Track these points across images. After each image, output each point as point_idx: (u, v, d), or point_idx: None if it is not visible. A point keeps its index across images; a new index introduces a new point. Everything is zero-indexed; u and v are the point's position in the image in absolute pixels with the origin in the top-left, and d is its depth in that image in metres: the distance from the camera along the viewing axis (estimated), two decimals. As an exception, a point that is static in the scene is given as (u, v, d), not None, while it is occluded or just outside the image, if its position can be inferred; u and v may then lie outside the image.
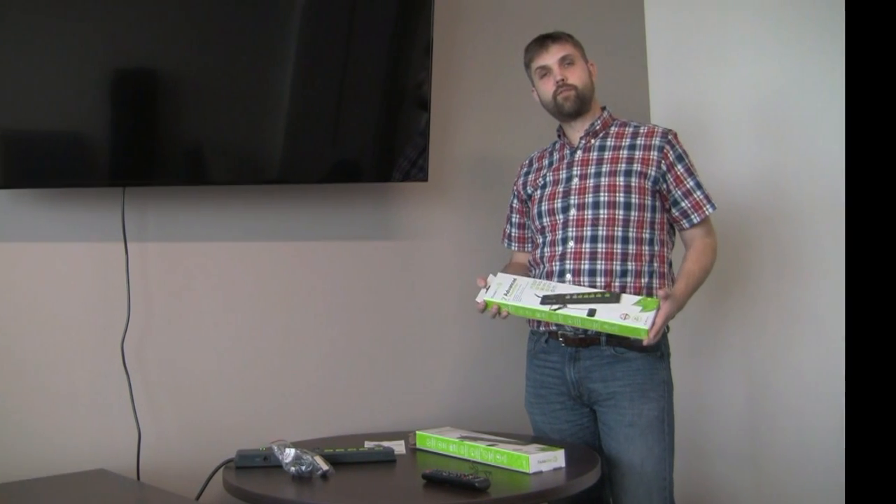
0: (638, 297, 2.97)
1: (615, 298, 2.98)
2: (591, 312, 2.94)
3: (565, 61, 3.21)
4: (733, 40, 4.01)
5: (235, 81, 3.23)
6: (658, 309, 2.93)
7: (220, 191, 3.34)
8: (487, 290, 3.12)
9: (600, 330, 2.99)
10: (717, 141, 3.99)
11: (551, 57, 3.21)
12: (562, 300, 3.01)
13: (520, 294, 3.07)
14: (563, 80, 3.20)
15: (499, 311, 3.09)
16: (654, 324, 2.90)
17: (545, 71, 3.23)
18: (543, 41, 3.24)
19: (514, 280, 3.12)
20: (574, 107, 3.22)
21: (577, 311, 2.96)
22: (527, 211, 3.36)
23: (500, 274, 3.17)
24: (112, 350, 3.15)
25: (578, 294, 3.03)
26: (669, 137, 3.20)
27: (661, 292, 2.96)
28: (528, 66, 3.30)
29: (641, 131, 3.23)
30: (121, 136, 3.10)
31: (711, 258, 3.18)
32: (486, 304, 3.11)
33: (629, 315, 2.92)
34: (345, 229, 3.59)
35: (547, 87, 3.24)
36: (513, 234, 3.45)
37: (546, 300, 3.02)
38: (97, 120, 3.07)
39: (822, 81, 3.70)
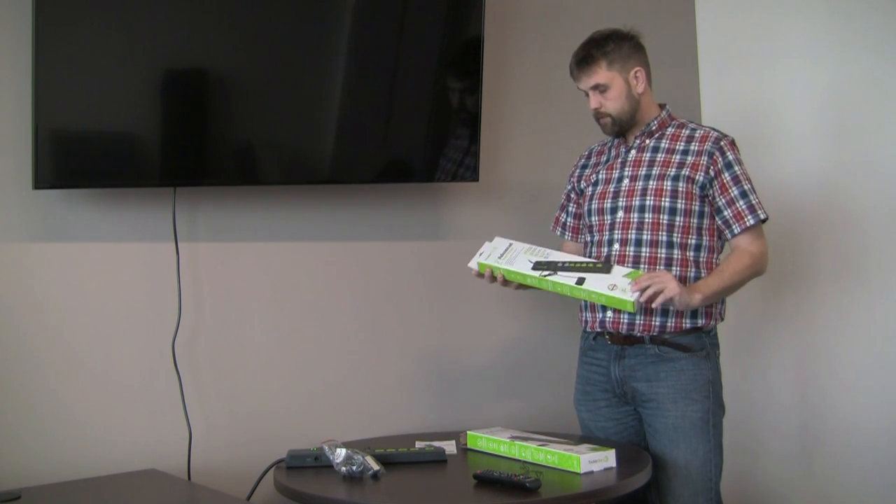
0: (629, 269, 2.95)
1: (606, 269, 2.96)
2: (580, 281, 2.92)
3: (598, 89, 3.13)
4: (786, 41, 3.95)
5: (286, 82, 3.25)
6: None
7: (271, 191, 3.35)
8: (482, 254, 3.10)
9: (588, 300, 2.97)
10: (770, 143, 3.93)
11: (583, 85, 3.15)
12: (553, 267, 2.99)
13: (513, 258, 3.05)
14: (596, 109, 3.15)
15: (493, 276, 3.07)
16: (643, 289, 2.87)
17: (584, 92, 3.19)
18: (577, 64, 3.16)
19: (510, 245, 3.09)
20: (613, 131, 3.19)
21: (566, 279, 2.94)
22: (582, 203, 3.31)
23: (496, 238, 3.14)
24: (163, 350, 3.17)
25: (570, 262, 3.01)
26: (722, 144, 3.11)
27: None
28: None
29: (697, 135, 3.15)
30: (171, 136, 3.12)
31: (749, 263, 3.06)
32: (480, 268, 3.08)
33: (617, 286, 2.89)
34: (395, 229, 3.60)
35: (589, 107, 3.18)
36: (567, 224, 3.39)
37: (538, 266, 3.00)
38: (148, 120, 3.09)
39: (879, 82, 3.66)
